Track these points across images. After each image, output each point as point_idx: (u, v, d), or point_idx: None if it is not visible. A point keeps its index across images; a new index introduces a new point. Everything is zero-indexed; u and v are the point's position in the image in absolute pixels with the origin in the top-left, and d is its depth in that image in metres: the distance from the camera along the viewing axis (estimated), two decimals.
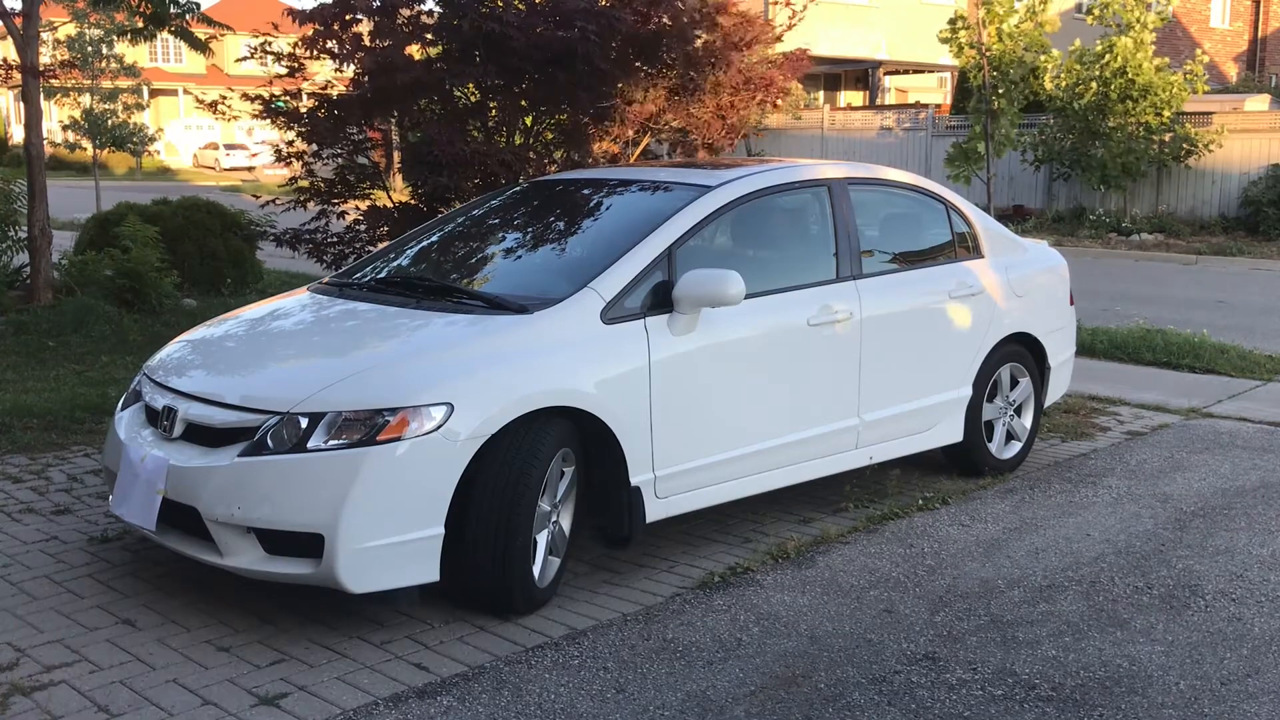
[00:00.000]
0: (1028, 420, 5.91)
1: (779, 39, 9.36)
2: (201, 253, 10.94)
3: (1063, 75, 19.34)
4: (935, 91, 33.65)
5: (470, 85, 7.78)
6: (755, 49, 8.98)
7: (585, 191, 5.32)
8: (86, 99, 20.50)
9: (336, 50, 7.61)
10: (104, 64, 20.12)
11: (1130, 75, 18.57)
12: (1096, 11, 19.29)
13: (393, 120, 8.70)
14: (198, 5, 10.04)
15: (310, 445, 3.62)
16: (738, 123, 8.91)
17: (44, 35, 12.09)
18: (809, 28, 10.32)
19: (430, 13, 7.79)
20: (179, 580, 4.18)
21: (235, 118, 8.57)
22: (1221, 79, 34.45)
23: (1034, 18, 13.29)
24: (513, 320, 4.09)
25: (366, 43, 7.64)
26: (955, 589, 4.22)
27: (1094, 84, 18.89)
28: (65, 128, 21.17)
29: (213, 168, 44.62)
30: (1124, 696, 3.39)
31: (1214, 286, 13.73)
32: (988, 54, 12.95)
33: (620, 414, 4.09)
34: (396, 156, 10.45)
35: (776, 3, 9.31)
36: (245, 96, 8.11)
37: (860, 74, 32.61)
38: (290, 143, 8.23)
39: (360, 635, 3.77)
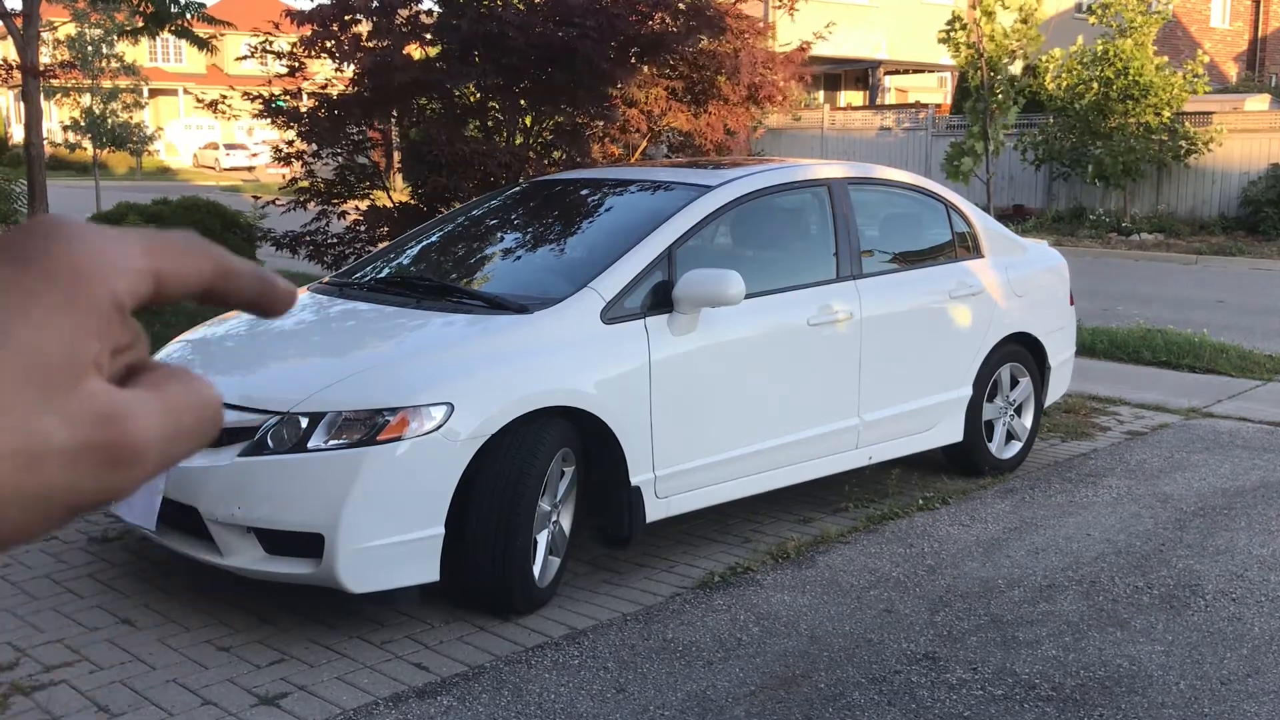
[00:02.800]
0: (1028, 420, 5.91)
1: (805, 50, 9.41)
2: None
3: (1063, 75, 19.34)
4: (935, 91, 33.63)
5: (470, 85, 7.79)
6: (756, 45, 9.01)
7: (585, 191, 5.32)
8: (86, 99, 20.50)
9: (335, 50, 7.61)
10: (104, 63, 20.12)
11: (1132, 76, 18.58)
12: (1098, 11, 19.29)
13: (393, 120, 8.71)
14: (201, 5, 10.04)
15: (310, 445, 3.62)
16: (737, 128, 8.94)
17: (44, 35, 12.09)
18: (810, 28, 10.33)
19: (429, 12, 7.79)
20: (179, 580, 4.18)
21: (235, 117, 8.57)
22: (1221, 79, 34.44)
23: (1027, 18, 13.28)
24: (513, 320, 4.09)
25: (365, 43, 7.64)
26: (955, 589, 4.22)
27: (1094, 84, 18.89)
28: (65, 128, 21.16)
29: (213, 168, 44.59)
30: (1124, 696, 3.39)
31: (1214, 286, 13.73)
32: (984, 54, 12.95)
33: (620, 414, 4.09)
34: (396, 156, 10.46)
35: (780, 7, 9.33)
36: (246, 95, 8.11)
37: (860, 74, 32.60)
38: (290, 142, 8.23)
39: (360, 635, 3.77)
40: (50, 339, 0.40)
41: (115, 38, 18.99)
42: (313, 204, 8.30)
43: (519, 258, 4.99)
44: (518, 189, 5.69)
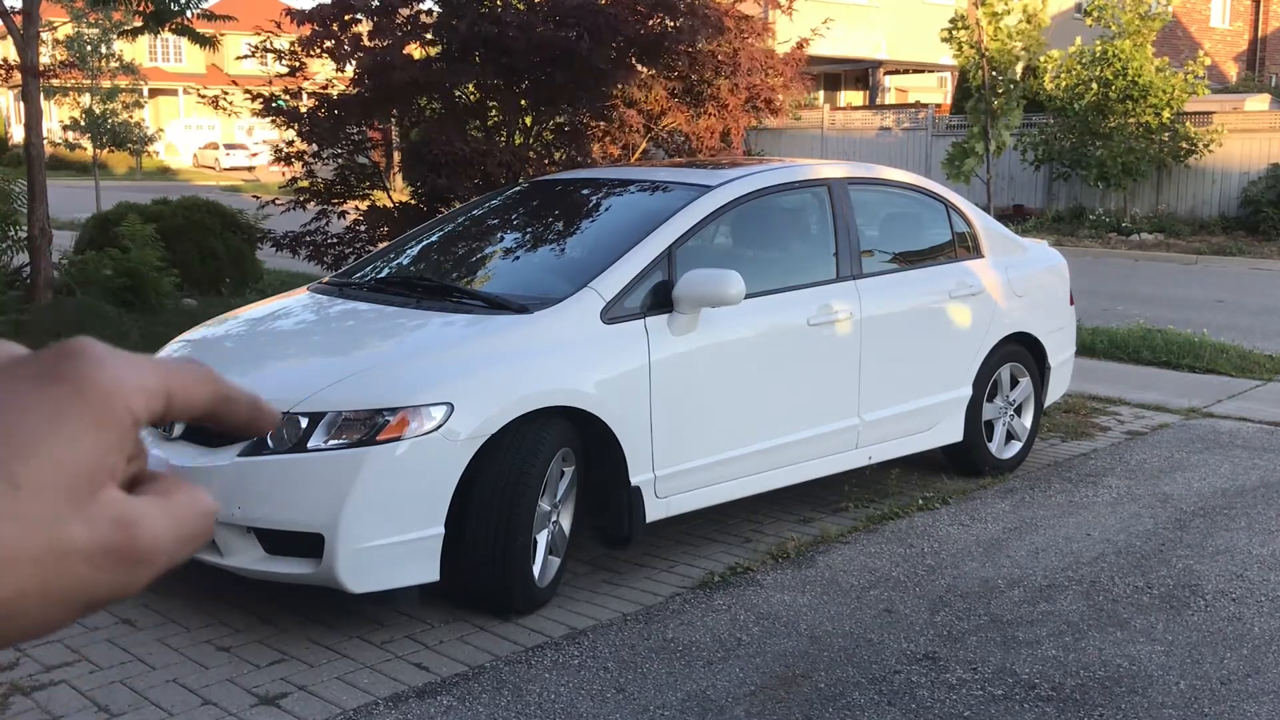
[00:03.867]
0: (1028, 420, 5.91)
1: (804, 47, 9.41)
2: (201, 253, 10.93)
3: (1062, 76, 19.34)
4: (935, 91, 33.63)
5: (470, 85, 7.79)
6: (756, 45, 9.01)
7: (585, 191, 5.32)
8: (86, 99, 20.48)
9: (335, 50, 7.62)
10: (103, 63, 20.10)
11: (1131, 76, 18.58)
12: (1095, 14, 19.29)
13: (393, 120, 8.71)
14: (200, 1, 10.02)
15: (310, 445, 3.62)
16: (735, 131, 8.95)
17: (43, 35, 12.10)
18: (809, 27, 10.33)
19: (429, 12, 7.79)
20: (179, 580, 4.18)
21: (235, 115, 8.57)
22: (1221, 79, 34.44)
23: (1031, 17, 13.28)
24: (513, 320, 4.09)
25: (365, 43, 7.65)
26: (955, 589, 4.22)
27: (1094, 85, 18.89)
28: (65, 128, 21.14)
29: (213, 167, 44.58)
30: (1124, 696, 3.39)
31: (1214, 286, 13.72)
32: (986, 53, 12.94)
33: (620, 414, 4.09)
34: (396, 156, 10.46)
35: (778, 8, 9.32)
36: (247, 93, 8.10)
37: (860, 74, 32.60)
38: (290, 142, 8.23)
39: (360, 635, 3.77)
40: (78, 452, 0.45)
41: (114, 37, 18.98)
42: (312, 204, 8.30)
43: (519, 258, 4.99)
44: (518, 189, 5.69)
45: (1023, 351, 5.83)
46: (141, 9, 9.84)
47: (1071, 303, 6.32)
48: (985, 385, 5.60)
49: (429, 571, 3.70)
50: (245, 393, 0.53)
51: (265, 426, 0.55)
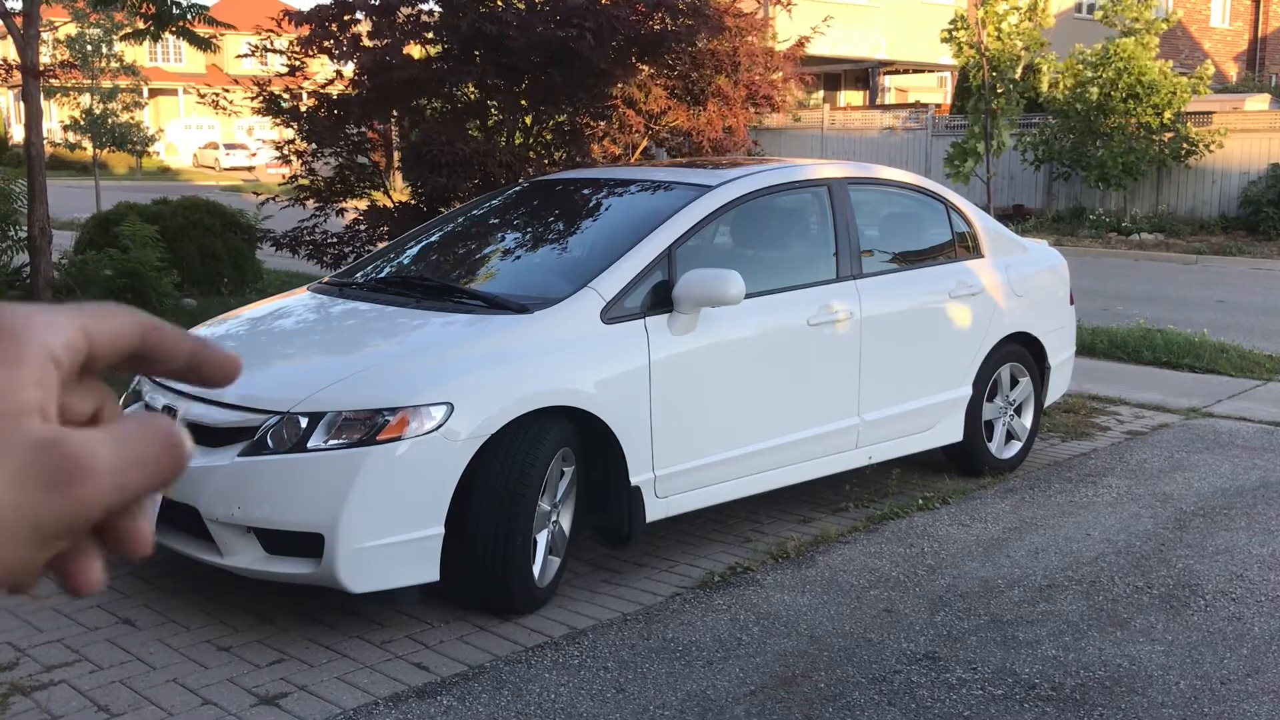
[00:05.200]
0: (1028, 420, 5.91)
1: (803, 45, 9.41)
2: (201, 252, 10.93)
3: (1061, 77, 19.34)
4: (935, 91, 33.64)
5: (470, 84, 7.79)
6: (755, 42, 9.02)
7: (585, 191, 5.33)
8: (86, 99, 20.47)
9: (334, 50, 7.62)
10: (104, 63, 20.09)
11: (1137, 75, 18.58)
12: (1102, 12, 19.30)
13: (393, 120, 8.71)
14: (203, 7, 10.03)
15: (310, 445, 3.62)
16: (736, 126, 8.95)
17: (44, 35, 12.09)
18: (809, 25, 10.32)
19: (429, 12, 7.80)
20: (179, 580, 4.18)
21: (235, 113, 8.57)
22: (1221, 79, 34.41)
23: (1033, 16, 13.30)
24: (513, 320, 4.09)
25: (365, 43, 7.65)
26: (955, 589, 4.22)
27: (1095, 87, 18.89)
28: (65, 127, 21.13)
29: (212, 167, 44.59)
30: (1124, 696, 3.39)
31: (1214, 286, 13.72)
32: (986, 53, 12.95)
33: (620, 414, 4.09)
34: (396, 156, 10.45)
35: (778, 3, 9.32)
36: (252, 84, 8.10)
37: (860, 74, 32.60)
38: (290, 142, 8.23)
39: (360, 635, 3.77)
40: None
41: (115, 37, 18.96)
42: (312, 203, 8.30)
43: (519, 257, 4.99)
44: (518, 189, 5.69)
45: (1023, 351, 5.83)
46: (144, 11, 9.84)
47: (1071, 302, 6.31)
48: (985, 385, 5.60)
49: (429, 571, 3.70)
50: (181, 333, 0.52)
51: (215, 371, 0.53)
